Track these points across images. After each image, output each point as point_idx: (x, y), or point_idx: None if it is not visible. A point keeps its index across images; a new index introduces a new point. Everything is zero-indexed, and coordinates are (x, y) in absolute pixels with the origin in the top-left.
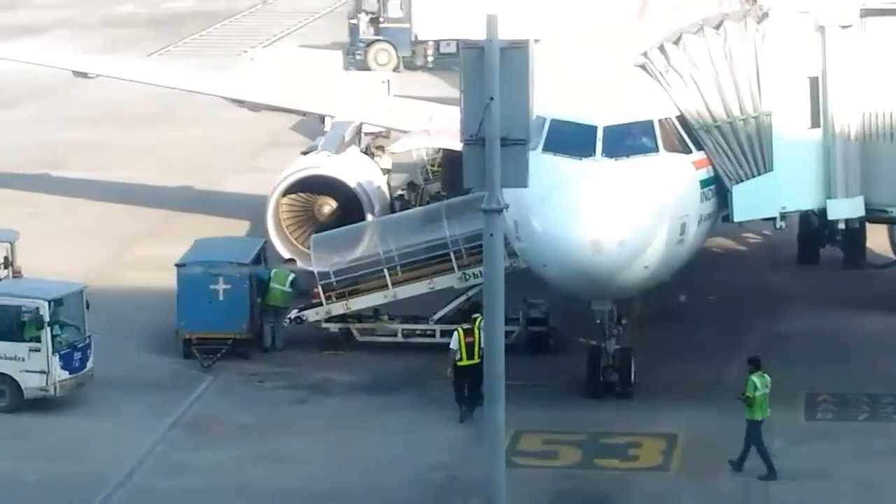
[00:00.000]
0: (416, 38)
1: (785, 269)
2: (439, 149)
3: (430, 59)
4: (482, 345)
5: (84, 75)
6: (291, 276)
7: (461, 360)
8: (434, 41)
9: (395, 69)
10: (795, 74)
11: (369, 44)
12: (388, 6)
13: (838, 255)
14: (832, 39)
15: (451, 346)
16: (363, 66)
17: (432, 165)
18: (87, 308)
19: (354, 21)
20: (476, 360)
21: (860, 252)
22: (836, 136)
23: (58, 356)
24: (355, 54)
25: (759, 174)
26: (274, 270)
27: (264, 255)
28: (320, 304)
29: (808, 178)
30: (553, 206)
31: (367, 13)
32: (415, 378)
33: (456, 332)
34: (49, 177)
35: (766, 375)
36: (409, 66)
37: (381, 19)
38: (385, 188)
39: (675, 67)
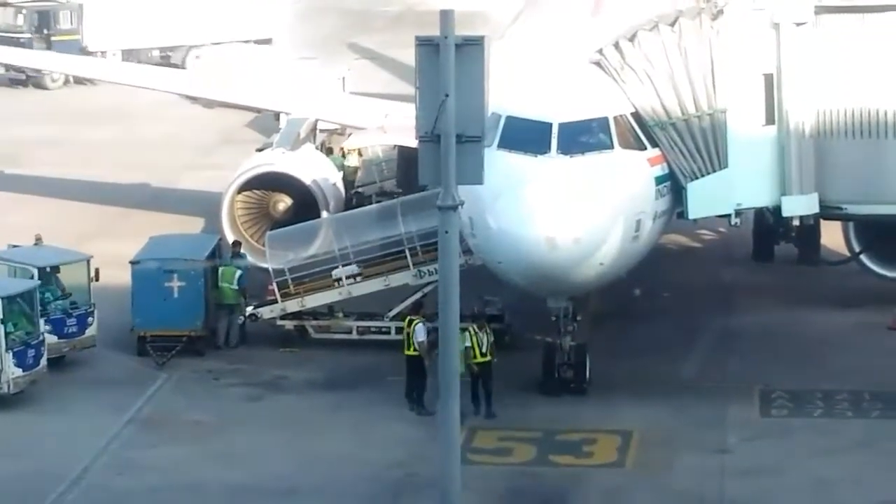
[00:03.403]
0: (86, 49)
1: (740, 265)
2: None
3: None
4: (415, 340)
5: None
6: (238, 273)
7: (408, 349)
8: (102, 52)
9: (66, 83)
10: (750, 71)
11: None
12: (59, 18)
13: (793, 251)
14: (787, 36)
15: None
16: (39, 84)
17: (343, 158)
18: (41, 305)
19: (28, 36)
20: (416, 353)
21: (815, 249)
22: (790, 133)
23: (11, 353)
24: (25, 71)
25: (714, 171)
26: (221, 269)
27: (219, 253)
28: (275, 302)
29: (763, 175)
30: (508, 203)
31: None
32: (370, 375)
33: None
34: (3, 174)
35: (466, 332)
36: (80, 80)
37: (51, 32)
38: (340, 185)
39: (630, 64)
